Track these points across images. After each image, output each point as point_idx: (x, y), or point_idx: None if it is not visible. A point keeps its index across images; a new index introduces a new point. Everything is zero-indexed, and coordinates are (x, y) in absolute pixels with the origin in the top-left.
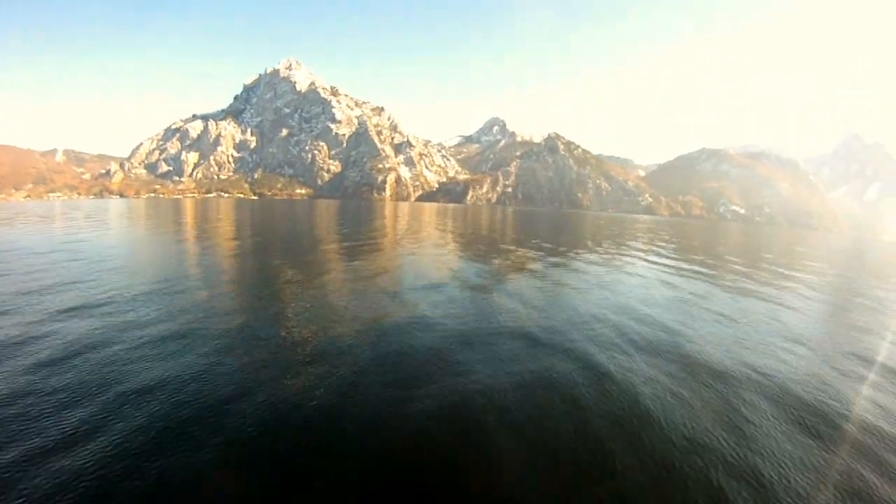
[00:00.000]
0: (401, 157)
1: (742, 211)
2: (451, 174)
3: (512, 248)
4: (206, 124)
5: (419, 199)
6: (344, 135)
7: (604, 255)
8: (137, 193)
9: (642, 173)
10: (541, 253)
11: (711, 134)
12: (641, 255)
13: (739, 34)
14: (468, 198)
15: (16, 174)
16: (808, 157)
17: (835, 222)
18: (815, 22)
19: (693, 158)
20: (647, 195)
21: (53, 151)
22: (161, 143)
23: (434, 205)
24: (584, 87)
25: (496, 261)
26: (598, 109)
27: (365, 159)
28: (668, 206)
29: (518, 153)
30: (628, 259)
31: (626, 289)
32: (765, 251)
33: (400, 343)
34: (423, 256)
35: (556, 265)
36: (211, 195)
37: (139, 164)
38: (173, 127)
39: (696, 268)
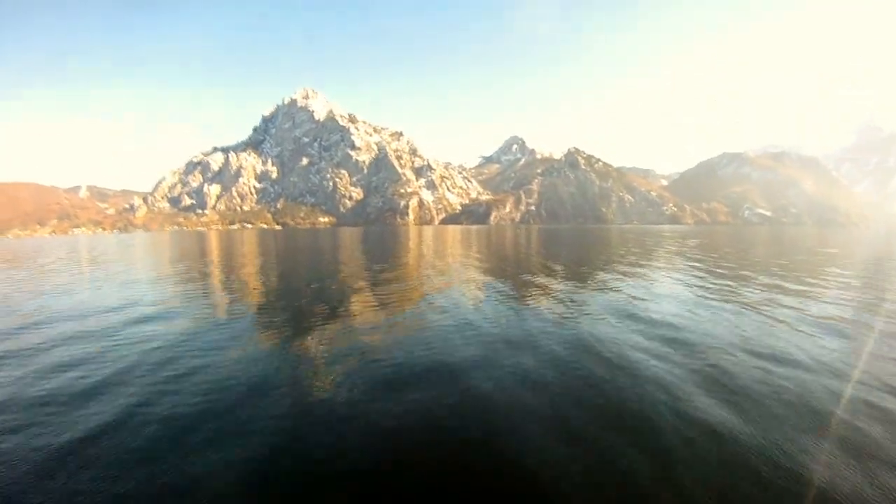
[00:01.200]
0: (422, 181)
1: (768, 213)
2: (474, 195)
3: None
4: (227, 156)
5: (443, 221)
6: (364, 161)
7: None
8: (161, 227)
9: (665, 183)
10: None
11: (712, 134)
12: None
13: (739, 34)
14: (492, 218)
15: (40, 211)
16: (827, 153)
17: (862, 217)
18: (814, 22)
19: (714, 164)
20: (670, 204)
21: (77, 188)
22: (183, 176)
23: (458, 227)
24: (594, 97)
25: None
26: (609, 118)
27: (386, 185)
28: (692, 214)
29: (539, 170)
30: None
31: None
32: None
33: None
34: (460, 294)
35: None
36: (234, 227)
37: (162, 197)
38: (195, 160)
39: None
